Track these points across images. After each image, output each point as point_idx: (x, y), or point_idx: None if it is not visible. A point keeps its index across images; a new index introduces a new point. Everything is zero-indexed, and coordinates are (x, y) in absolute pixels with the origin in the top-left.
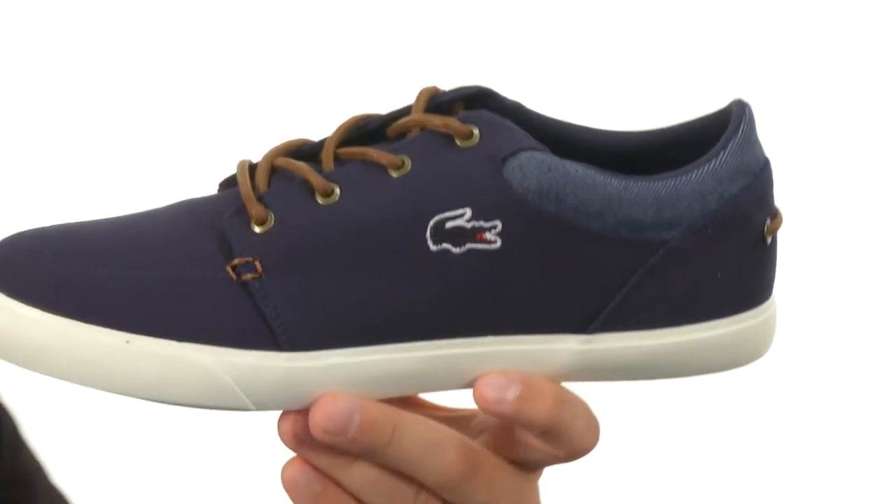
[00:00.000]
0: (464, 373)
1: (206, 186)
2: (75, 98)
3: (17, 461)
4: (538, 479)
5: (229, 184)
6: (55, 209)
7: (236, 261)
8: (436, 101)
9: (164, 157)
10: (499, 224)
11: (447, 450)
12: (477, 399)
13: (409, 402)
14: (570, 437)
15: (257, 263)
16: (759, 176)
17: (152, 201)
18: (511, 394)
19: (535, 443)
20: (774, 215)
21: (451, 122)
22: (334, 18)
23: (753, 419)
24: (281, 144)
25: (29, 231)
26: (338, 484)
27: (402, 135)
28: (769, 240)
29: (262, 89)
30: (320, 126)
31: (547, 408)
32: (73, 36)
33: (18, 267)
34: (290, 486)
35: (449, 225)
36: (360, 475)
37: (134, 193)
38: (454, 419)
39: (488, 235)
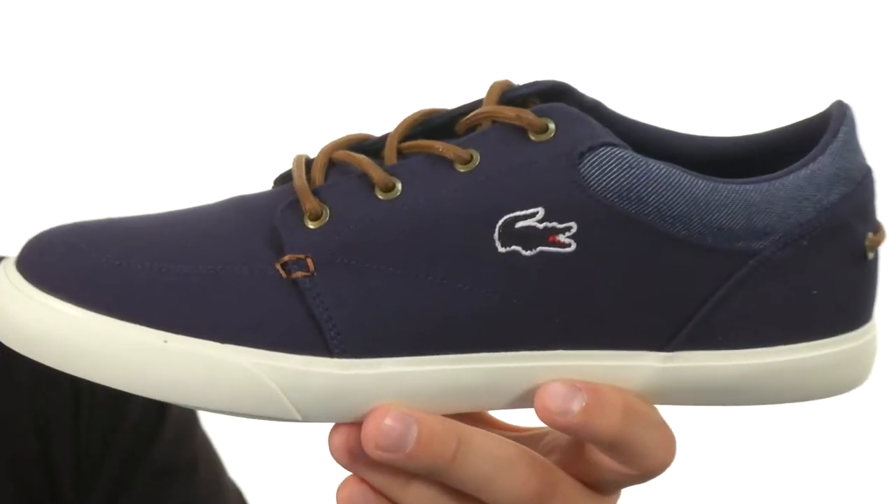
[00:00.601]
0: (531, 388)
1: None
2: (86, 100)
3: (181, 420)
4: (615, 502)
5: (285, 179)
6: (66, 210)
7: (287, 257)
8: (508, 96)
9: (185, 163)
10: (574, 226)
11: (519, 467)
12: (538, 410)
13: (475, 419)
14: (641, 454)
15: (309, 261)
16: (860, 185)
17: (175, 202)
18: (577, 404)
19: (604, 460)
20: (877, 229)
21: (525, 114)
22: (353, 20)
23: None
24: (340, 138)
25: (67, 225)
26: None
27: (470, 130)
28: (870, 255)
29: (287, 92)
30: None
31: (616, 420)
32: (81, 37)
33: (52, 260)
34: None
35: (519, 225)
36: (419, 495)
37: (153, 196)
38: (522, 438)
39: (562, 238)
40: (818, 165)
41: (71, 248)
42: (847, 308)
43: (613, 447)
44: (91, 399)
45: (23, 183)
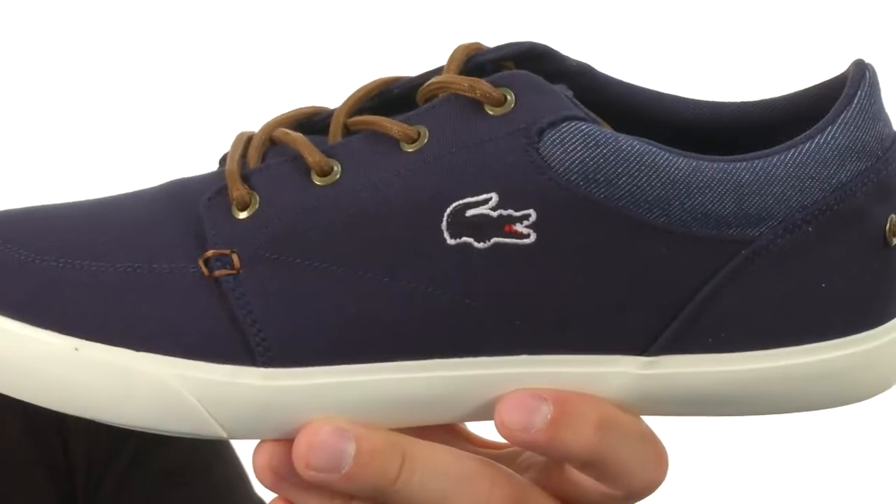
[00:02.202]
0: (490, 399)
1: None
2: (73, 97)
3: None
4: None
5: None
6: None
7: (210, 252)
8: (476, 61)
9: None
10: (532, 213)
11: (479, 484)
12: (497, 425)
13: (449, 433)
14: (622, 472)
15: (234, 256)
16: (881, 160)
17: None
18: (540, 418)
19: (583, 479)
20: None
21: (479, 84)
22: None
23: None
24: (287, 112)
25: None
26: None
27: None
28: (894, 242)
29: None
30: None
31: (588, 434)
32: (71, 34)
33: None
34: None
35: (470, 213)
36: None
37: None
38: (499, 456)
39: (519, 227)
40: (826, 138)
41: None
42: (864, 304)
43: (588, 465)
44: None
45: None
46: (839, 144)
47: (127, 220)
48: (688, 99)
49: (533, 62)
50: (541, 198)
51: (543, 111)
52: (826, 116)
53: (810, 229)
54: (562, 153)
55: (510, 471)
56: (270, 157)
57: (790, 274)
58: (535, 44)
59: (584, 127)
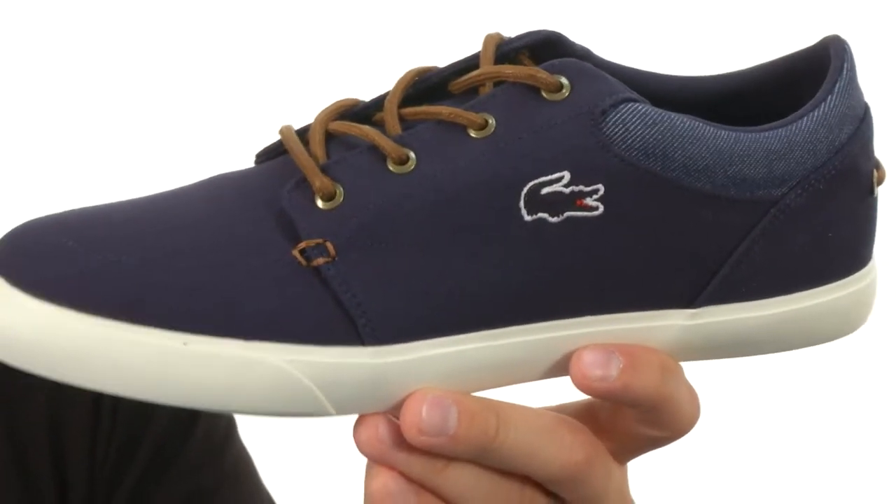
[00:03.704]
0: (562, 358)
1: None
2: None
3: (211, 436)
4: (626, 473)
5: (270, 154)
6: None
7: (304, 243)
8: (502, 51)
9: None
10: (601, 188)
11: (562, 434)
12: (577, 378)
13: None
14: (677, 411)
15: (329, 245)
16: (863, 121)
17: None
18: (614, 368)
19: (637, 424)
20: (877, 165)
21: (538, 73)
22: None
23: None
24: (330, 106)
25: (41, 219)
26: (432, 492)
27: (468, 91)
28: (876, 191)
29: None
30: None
31: (655, 379)
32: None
33: (40, 262)
34: (382, 499)
35: (545, 191)
36: (458, 479)
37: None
38: None
39: (589, 201)
40: (829, 106)
41: (58, 247)
42: (855, 248)
43: (653, 407)
44: (112, 416)
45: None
46: (838, 111)
47: (193, 217)
48: (666, 75)
49: (547, 48)
50: (607, 173)
51: (602, 94)
52: (823, 87)
53: (821, 187)
54: (623, 132)
55: (578, 424)
56: (334, 149)
57: (806, 227)
58: (549, 31)
59: (640, 108)
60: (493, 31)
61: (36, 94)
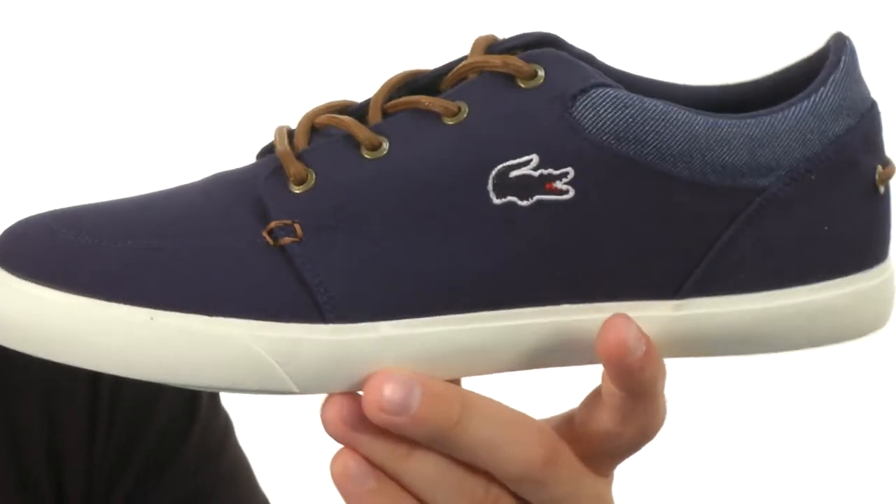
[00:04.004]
0: (535, 349)
1: None
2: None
3: (208, 439)
4: (611, 484)
5: (267, 151)
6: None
7: (273, 224)
8: (494, 49)
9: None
10: (570, 171)
11: (527, 431)
12: (613, 341)
13: None
14: (652, 409)
15: (297, 226)
16: (865, 117)
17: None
18: (641, 347)
19: (605, 421)
20: (886, 163)
21: (512, 61)
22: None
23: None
24: (322, 105)
25: (47, 212)
26: (395, 480)
27: (455, 86)
28: (881, 189)
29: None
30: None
31: (658, 370)
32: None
33: (29, 246)
34: (340, 481)
35: (513, 174)
36: (421, 467)
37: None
38: None
39: (559, 185)
40: (820, 97)
41: (48, 232)
42: (860, 245)
43: (639, 397)
44: (109, 418)
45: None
46: (832, 102)
47: (182, 205)
48: (679, 84)
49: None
50: (577, 157)
51: (574, 80)
52: (817, 78)
53: (813, 177)
54: (593, 115)
55: (546, 424)
56: (316, 140)
57: (797, 219)
58: (545, 33)
59: (611, 92)
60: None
61: (36, 94)
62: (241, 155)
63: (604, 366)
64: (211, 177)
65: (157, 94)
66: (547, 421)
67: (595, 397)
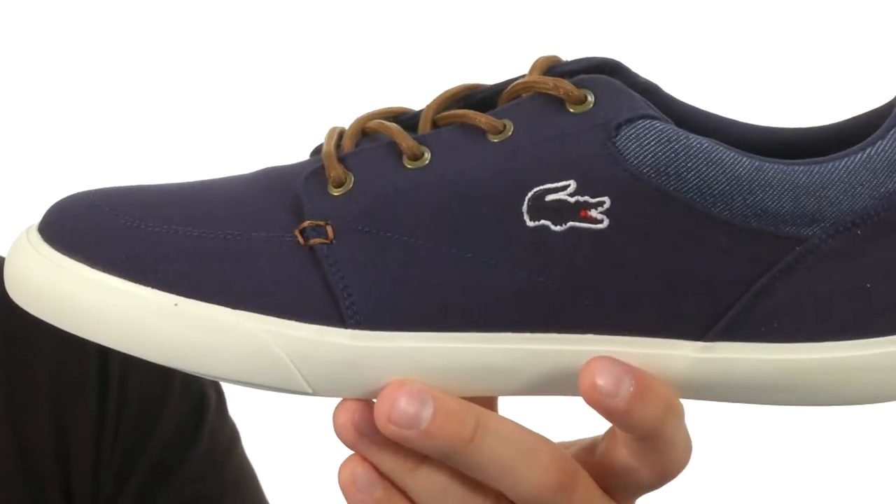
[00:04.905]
0: (555, 374)
1: None
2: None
3: (214, 446)
4: None
5: (319, 151)
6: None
7: (306, 223)
8: (555, 72)
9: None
10: (607, 201)
11: (540, 455)
12: (586, 386)
13: None
14: (669, 452)
15: (329, 228)
16: None
17: None
18: (624, 389)
19: (622, 462)
20: None
21: (562, 84)
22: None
23: None
24: (377, 109)
25: (94, 189)
26: (402, 491)
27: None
28: None
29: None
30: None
31: (659, 412)
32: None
33: (71, 220)
34: (347, 488)
35: (549, 198)
36: (428, 481)
37: None
38: None
39: (594, 213)
40: (877, 150)
41: (90, 209)
42: None
43: (646, 439)
44: (116, 423)
45: (23, 182)
46: (888, 157)
47: (225, 195)
48: (746, 124)
49: (605, 75)
50: (615, 187)
51: (621, 109)
52: (877, 132)
53: (859, 232)
54: (637, 147)
55: (563, 449)
56: (363, 144)
57: (838, 273)
58: (608, 59)
59: (658, 125)
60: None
61: (64, 94)
62: (294, 152)
63: None
64: (260, 170)
65: (208, 93)
66: (571, 445)
67: (614, 430)
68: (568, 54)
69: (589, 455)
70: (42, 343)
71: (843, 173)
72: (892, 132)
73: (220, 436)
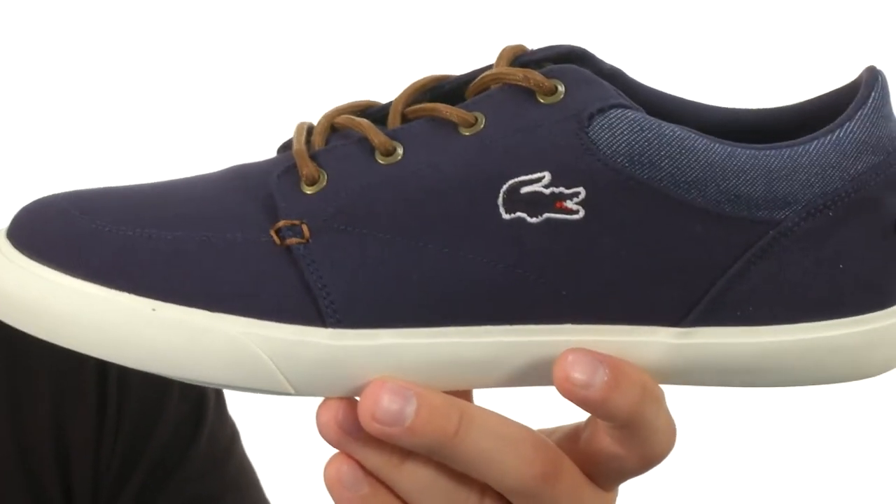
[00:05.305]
0: (535, 365)
1: None
2: (77, 94)
3: (214, 446)
4: (615, 499)
5: (287, 147)
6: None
7: (281, 223)
8: (521, 60)
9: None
10: (582, 191)
11: (524, 446)
12: (560, 380)
13: None
14: (649, 438)
15: (304, 227)
16: (893, 155)
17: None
18: (599, 378)
19: (605, 448)
20: None
21: (532, 75)
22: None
23: None
24: (344, 104)
25: (61, 193)
26: (388, 487)
27: (478, 95)
28: None
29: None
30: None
31: (635, 398)
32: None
33: (42, 227)
34: (333, 486)
35: (524, 190)
36: (414, 476)
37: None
38: None
39: (569, 204)
40: (845, 132)
41: (61, 214)
42: (876, 285)
43: (625, 427)
44: (116, 423)
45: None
46: (856, 138)
47: (196, 196)
48: (710, 105)
49: (571, 63)
50: (590, 177)
51: (592, 99)
52: (844, 113)
53: (830, 214)
54: (609, 137)
55: (547, 438)
56: (333, 141)
57: (811, 255)
58: (574, 47)
59: (629, 114)
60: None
61: (48, 94)
62: (259, 149)
63: None
64: (228, 169)
65: (172, 91)
66: (552, 432)
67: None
68: (532, 43)
69: (572, 442)
70: (41, 343)
71: (814, 156)
72: (859, 113)
73: (220, 435)
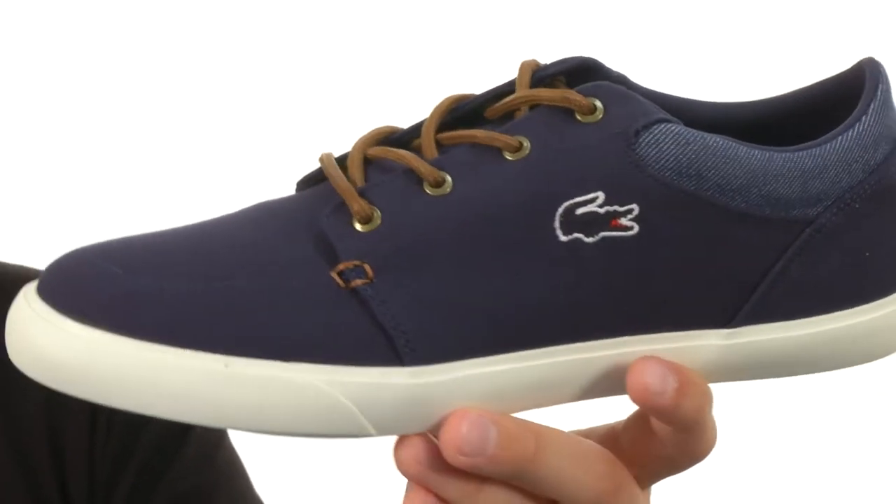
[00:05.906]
0: (600, 378)
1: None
2: (86, 103)
3: (204, 442)
4: (650, 496)
5: (310, 181)
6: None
7: (342, 265)
8: (538, 76)
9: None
10: (635, 207)
11: (598, 462)
12: (636, 388)
13: None
14: (702, 438)
15: (367, 267)
16: None
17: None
18: (670, 386)
19: (663, 446)
20: None
21: (572, 95)
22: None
23: None
24: (368, 133)
25: (87, 247)
26: None
27: (504, 116)
28: None
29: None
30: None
31: (699, 402)
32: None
33: (84, 287)
34: None
35: (580, 211)
36: (492, 500)
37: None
38: None
39: (624, 221)
40: (864, 126)
41: (102, 273)
42: (894, 268)
43: (686, 430)
44: (108, 419)
45: (23, 190)
46: (874, 131)
47: (237, 242)
48: (705, 101)
49: (583, 75)
50: (641, 193)
51: (635, 116)
52: (858, 107)
53: (857, 206)
54: (657, 152)
55: (610, 453)
56: (372, 173)
57: (842, 246)
58: (585, 57)
59: (673, 128)
60: (528, 58)
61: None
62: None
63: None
64: (252, 208)
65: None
66: (588, 434)
67: (643, 421)
68: (523, 45)
69: (612, 444)
70: None
71: (841, 152)
72: (872, 106)
73: (209, 429)
